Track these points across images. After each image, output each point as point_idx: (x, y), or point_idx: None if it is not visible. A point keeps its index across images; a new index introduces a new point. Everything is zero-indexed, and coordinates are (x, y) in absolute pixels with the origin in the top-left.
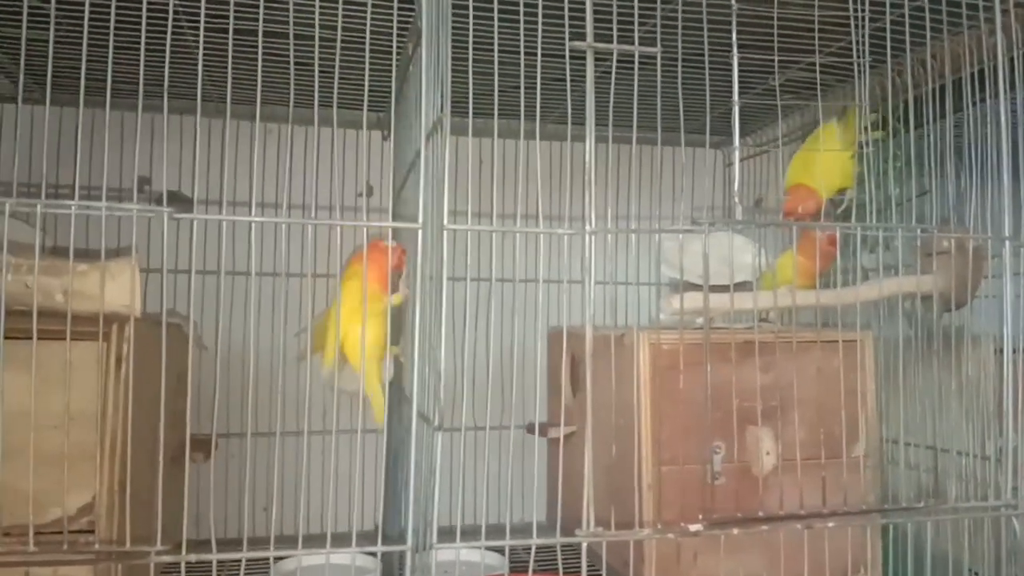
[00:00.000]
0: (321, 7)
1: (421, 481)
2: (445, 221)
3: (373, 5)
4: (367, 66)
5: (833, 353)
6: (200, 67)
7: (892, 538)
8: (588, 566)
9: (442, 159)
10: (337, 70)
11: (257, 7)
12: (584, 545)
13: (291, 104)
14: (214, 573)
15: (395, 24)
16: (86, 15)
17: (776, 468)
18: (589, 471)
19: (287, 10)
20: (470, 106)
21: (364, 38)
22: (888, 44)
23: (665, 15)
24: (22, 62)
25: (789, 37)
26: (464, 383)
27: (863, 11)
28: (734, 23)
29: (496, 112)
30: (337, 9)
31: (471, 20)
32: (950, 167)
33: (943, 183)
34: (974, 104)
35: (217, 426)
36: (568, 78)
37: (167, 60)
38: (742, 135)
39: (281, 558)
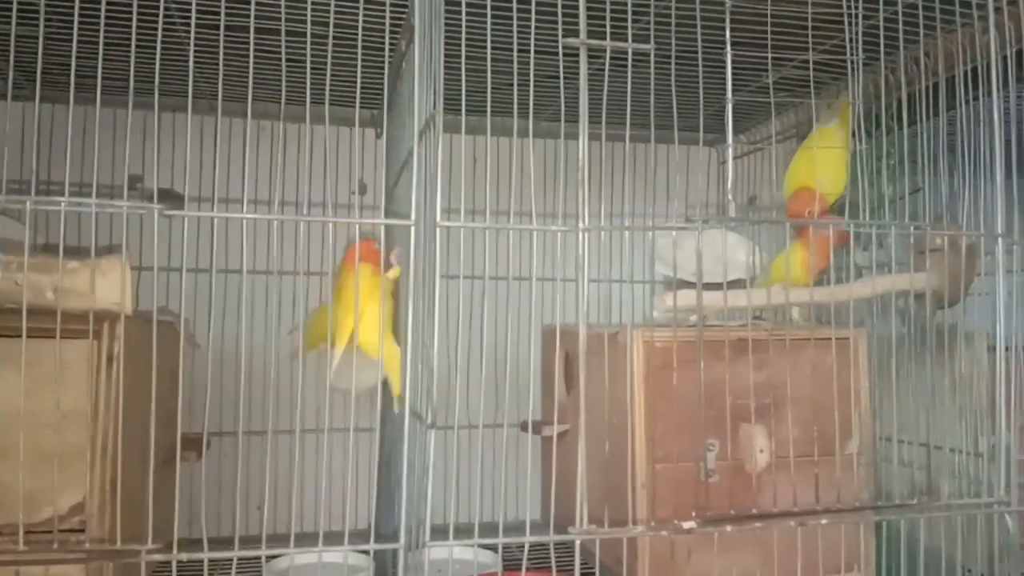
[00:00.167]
0: (313, 3)
1: (414, 479)
2: (438, 218)
3: (365, 1)
4: (359, 63)
5: (826, 351)
6: (191, 64)
7: (885, 536)
8: (581, 564)
9: (435, 156)
10: (329, 67)
11: (248, 3)
12: (577, 543)
13: (283, 101)
14: (206, 572)
15: (387, 21)
16: (76, 11)
17: (770, 466)
18: (582, 469)
19: (279, 6)
20: (463, 103)
21: (356, 35)
22: (881, 42)
23: (659, 12)
24: (11, 59)
25: (783, 34)
26: (457, 381)
27: (856, 8)
28: (728, 20)
29: (489, 109)
30: (329, 5)
31: (464, 17)
32: (943, 165)
33: (936, 181)
34: (967, 102)
35: (209, 425)
36: (562, 75)
37: (158, 56)
38: (736, 133)
39: (273, 557)
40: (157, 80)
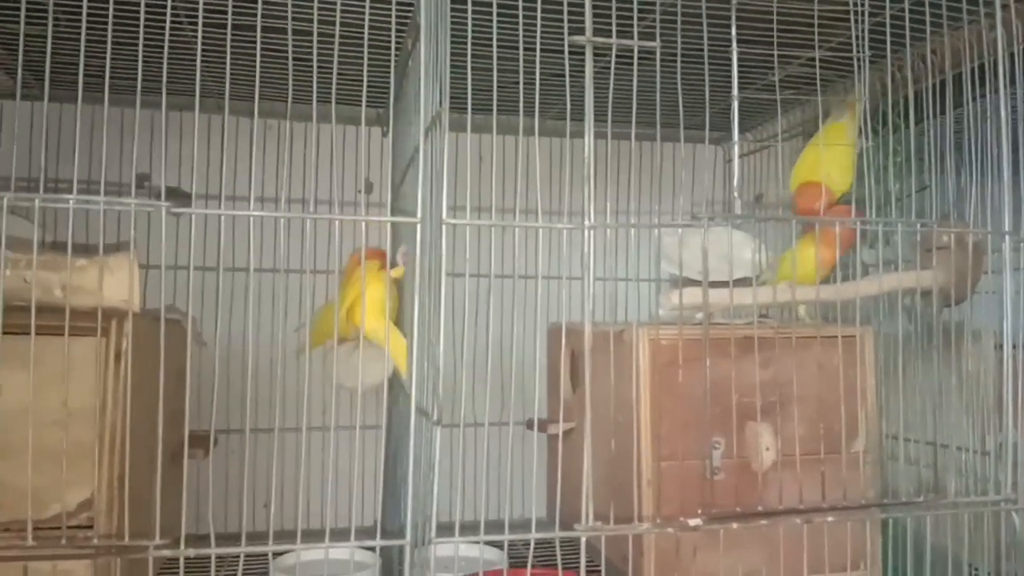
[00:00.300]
0: (319, 2)
1: (420, 476)
2: (444, 215)
3: (372, 0)
4: (365, 62)
5: (833, 349)
6: (199, 62)
7: (892, 534)
8: (587, 562)
9: (441, 153)
10: (336, 66)
11: (255, 2)
12: (583, 540)
13: (289, 100)
14: (213, 568)
15: (394, 19)
16: (84, 10)
17: (775, 464)
18: (588, 466)
19: (285, 5)
20: (469, 102)
21: (363, 33)
22: (888, 39)
23: (664, 10)
24: (20, 58)
25: (789, 32)
26: (463, 379)
27: (863, 6)
28: (733, 18)
29: (495, 108)
30: (336, 4)
31: (470, 15)
32: (950, 162)
33: (943, 178)
34: (974, 99)
35: (217, 422)
36: (567, 73)
37: (165, 55)
38: (742, 131)
39: (280, 553)
40: (165, 79)
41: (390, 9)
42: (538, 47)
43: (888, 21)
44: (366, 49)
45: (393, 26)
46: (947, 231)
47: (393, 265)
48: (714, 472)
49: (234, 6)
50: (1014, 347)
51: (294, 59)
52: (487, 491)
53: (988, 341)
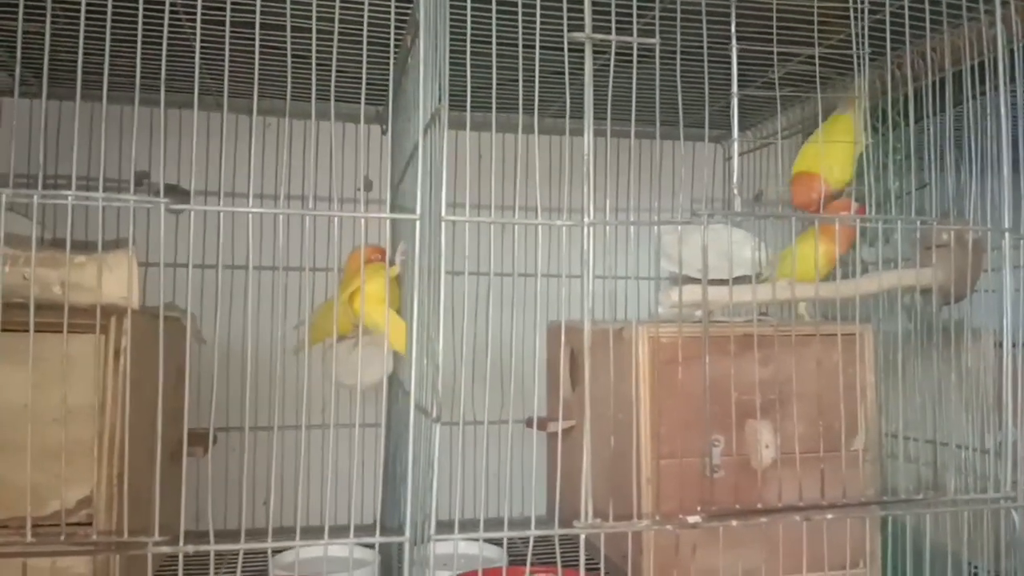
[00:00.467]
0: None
1: (419, 474)
2: (443, 212)
3: None
4: (365, 59)
5: (832, 346)
6: (197, 60)
7: (891, 532)
8: (587, 559)
9: (440, 150)
10: (335, 63)
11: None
12: (582, 537)
13: (288, 97)
14: (212, 565)
15: (393, 16)
16: (82, 8)
17: (775, 462)
18: (587, 464)
19: (284, 2)
20: (468, 99)
21: (362, 31)
22: (888, 37)
23: (664, 7)
24: (18, 55)
25: (788, 29)
26: (462, 377)
27: (863, 3)
28: (733, 15)
29: (494, 105)
30: (335, 1)
31: (469, 12)
32: (950, 160)
33: (943, 176)
34: (974, 97)
35: (217, 420)
36: (567, 71)
37: (164, 53)
38: (742, 129)
39: (279, 550)
40: (164, 76)
41: (389, 6)
42: (537, 44)
43: (888, 18)
44: (365, 46)
45: (392, 23)
46: (947, 229)
47: (391, 264)
48: (714, 470)
49: (233, 3)
50: (1014, 345)
51: (293, 56)
52: (486, 489)
53: (988, 339)
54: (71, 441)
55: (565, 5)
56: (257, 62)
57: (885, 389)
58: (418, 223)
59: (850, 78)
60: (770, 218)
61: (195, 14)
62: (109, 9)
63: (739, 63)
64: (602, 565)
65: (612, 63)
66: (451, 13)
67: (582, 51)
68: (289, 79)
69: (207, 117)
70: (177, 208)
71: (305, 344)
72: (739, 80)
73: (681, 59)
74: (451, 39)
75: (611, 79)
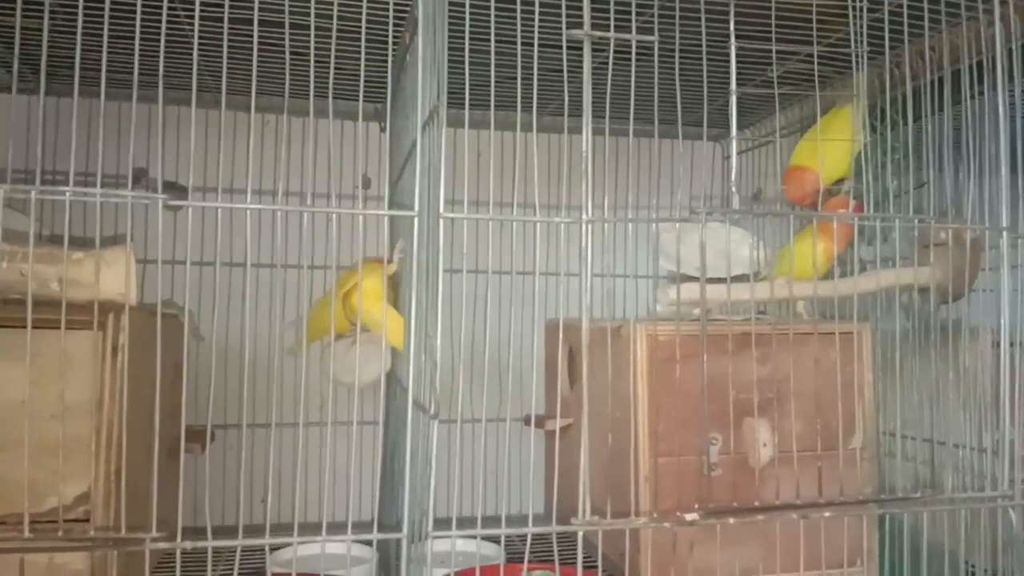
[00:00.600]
0: None
1: (417, 471)
2: (441, 209)
3: None
4: (363, 56)
5: (830, 345)
6: (195, 57)
7: (889, 530)
8: (584, 557)
9: (438, 147)
10: (333, 60)
11: None
12: (580, 535)
13: (287, 94)
14: (209, 561)
15: (391, 13)
16: (80, 3)
17: (773, 460)
18: (585, 462)
19: None
20: (466, 97)
21: (360, 28)
22: (887, 35)
23: (663, 4)
24: (16, 51)
25: (787, 27)
26: (461, 374)
27: (861, 2)
28: (732, 13)
29: (493, 103)
30: None
31: (468, 9)
32: (948, 159)
33: (941, 175)
34: (972, 96)
35: (215, 417)
36: (565, 69)
37: (162, 50)
38: (741, 127)
39: (277, 547)
40: (161, 73)
41: (388, 3)
42: (536, 41)
43: (887, 17)
44: (363, 43)
45: (391, 20)
46: (945, 228)
47: (389, 262)
48: (711, 468)
49: (231, 0)
50: (1011, 344)
51: (292, 53)
52: (484, 486)
53: (985, 338)
54: (68, 437)
55: (564, 2)
56: (255, 59)
57: (883, 388)
58: (416, 220)
59: (849, 76)
60: (768, 216)
61: (193, 10)
62: (107, 5)
63: (738, 61)
64: (600, 563)
65: (611, 61)
66: (450, 10)
67: (581, 49)
68: (287, 76)
69: (206, 114)
70: (175, 204)
71: (303, 343)
72: (738, 78)
73: (680, 57)
74: (450, 36)
75: (610, 77)
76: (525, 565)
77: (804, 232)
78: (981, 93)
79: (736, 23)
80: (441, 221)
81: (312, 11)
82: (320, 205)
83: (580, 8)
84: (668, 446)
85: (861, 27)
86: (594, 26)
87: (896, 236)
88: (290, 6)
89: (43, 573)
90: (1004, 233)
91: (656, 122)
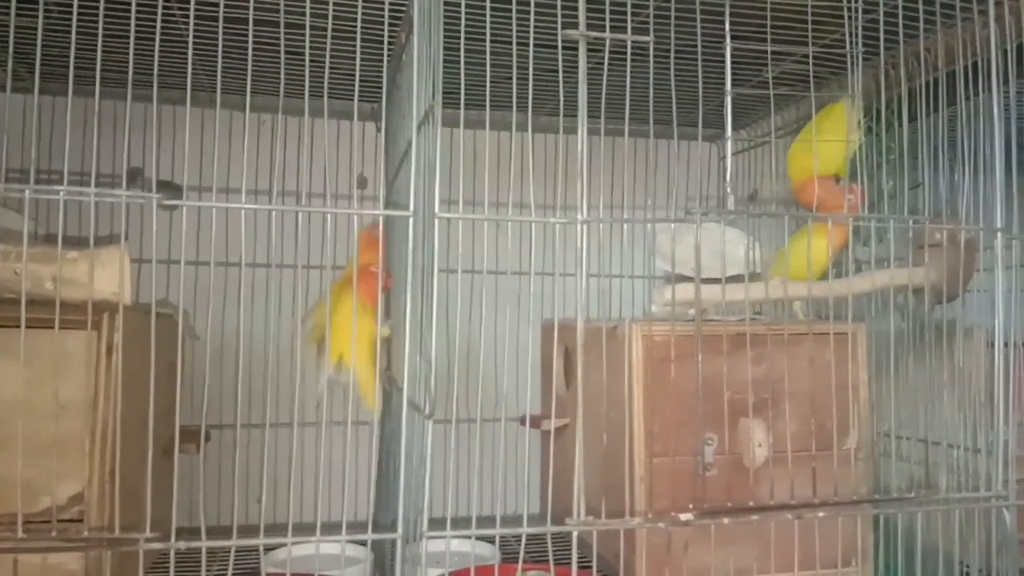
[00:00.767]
0: None
1: (412, 471)
2: (437, 209)
3: None
4: (358, 56)
5: (825, 345)
6: (191, 56)
7: (883, 530)
8: (579, 557)
9: (434, 147)
10: (328, 60)
11: None
12: (575, 535)
13: (282, 94)
14: (204, 561)
15: (387, 13)
16: (75, 2)
17: (768, 460)
18: (580, 462)
19: None
20: (462, 97)
21: (356, 27)
22: (882, 36)
23: (658, 5)
24: (11, 49)
25: (783, 28)
26: (456, 374)
27: (857, 3)
28: (727, 13)
29: (488, 103)
30: None
31: (463, 9)
32: (943, 160)
33: (936, 176)
34: (967, 97)
35: (209, 417)
36: (561, 69)
37: (157, 49)
38: (736, 128)
39: (272, 547)
40: (156, 72)
41: (383, 3)
42: (531, 41)
43: (882, 18)
44: (359, 43)
45: (386, 20)
46: (940, 228)
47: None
48: (706, 468)
49: None
50: (1005, 344)
51: (287, 53)
52: (479, 486)
53: (980, 338)
54: (63, 437)
55: (559, 2)
56: (251, 58)
57: (877, 388)
58: (412, 220)
59: (844, 77)
60: (764, 217)
61: (188, 10)
62: (102, 4)
63: (733, 62)
64: (594, 563)
65: (607, 61)
66: (445, 10)
67: (577, 49)
68: (283, 75)
69: (200, 113)
70: (170, 204)
71: (308, 342)
72: (733, 79)
73: (676, 58)
74: (445, 36)
75: (606, 77)
76: (520, 565)
77: (801, 232)
78: (976, 94)
79: (732, 24)
80: (437, 221)
81: (308, 10)
82: (316, 205)
83: (576, 8)
84: (663, 446)
85: (856, 28)
86: (590, 26)
87: (891, 236)
88: (286, 5)
89: (37, 573)
90: (999, 234)
91: (652, 122)
